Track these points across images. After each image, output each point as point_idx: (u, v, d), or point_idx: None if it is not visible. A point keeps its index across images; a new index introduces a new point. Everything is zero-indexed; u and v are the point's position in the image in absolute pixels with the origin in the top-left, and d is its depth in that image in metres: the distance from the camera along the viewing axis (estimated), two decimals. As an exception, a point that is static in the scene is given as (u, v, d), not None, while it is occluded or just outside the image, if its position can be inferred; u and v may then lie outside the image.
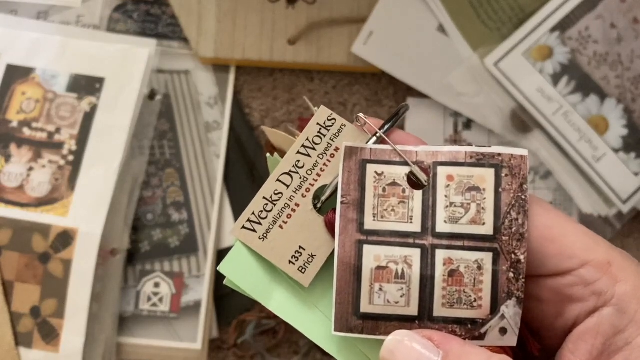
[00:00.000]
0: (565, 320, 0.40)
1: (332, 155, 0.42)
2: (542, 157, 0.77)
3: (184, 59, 0.80)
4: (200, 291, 0.75)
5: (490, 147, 0.40)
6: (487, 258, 0.39)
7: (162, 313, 0.74)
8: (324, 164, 0.42)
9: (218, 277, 0.76)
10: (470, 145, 0.40)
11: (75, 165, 0.72)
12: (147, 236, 0.76)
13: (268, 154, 0.44)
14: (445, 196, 0.39)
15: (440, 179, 0.40)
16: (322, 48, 0.79)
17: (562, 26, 0.76)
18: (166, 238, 0.76)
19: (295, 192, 0.42)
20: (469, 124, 0.79)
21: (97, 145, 0.73)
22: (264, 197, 0.41)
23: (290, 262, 0.41)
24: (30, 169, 0.72)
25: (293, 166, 0.42)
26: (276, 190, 0.41)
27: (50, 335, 0.69)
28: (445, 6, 0.77)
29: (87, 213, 0.71)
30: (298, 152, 0.42)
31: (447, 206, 0.39)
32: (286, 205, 0.41)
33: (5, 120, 0.73)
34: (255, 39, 0.79)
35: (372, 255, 0.39)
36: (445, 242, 0.39)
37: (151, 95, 0.76)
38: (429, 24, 0.78)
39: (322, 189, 0.42)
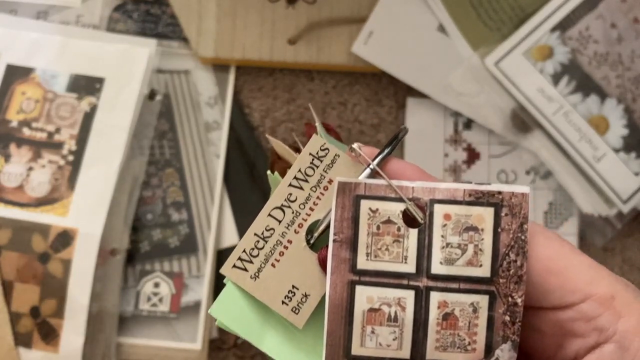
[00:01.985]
0: (566, 354, 0.39)
1: (326, 188, 0.40)
2: (542, 157, 0.77)
3: (183, 58, 0.80)
4: (200, 291, 0.75)
5: (490, 184, 0.38)
6: (483, 301, 0.38)
7: (161, 313, 0.74)
8: (317, 197, 0.40)
9: (218, 277, 0.76)
10: (469, 182, 0.39)
11: (75, 165, 0.72)
12: (146, 236, 0.76)
13: (269, 172, 0.43)
14: (442, 236, 0.38)
15: (436, 218, 0.38)
16: (322, 48, 0.79)
17: (563, 26, 0.76)
18: (166, 238, 0.76)
19: (287, 227, 0.40)
20: (469, 124, 0.79)
21: (97, 145, 0.73)
22: (255, 234, 0.40)
23: (283, 302, 0.39)
24: (30, 168, 0.72)
25: (285, 200, 0.40)
26: (267, 226, 0.40)
27: (49, 335, 0.69)
28: (445, 6, 0.77)
29: (87, 213, 0.71)
30: (290, 185, 0.40)
31: (443, 247, 0.38)
32: (278, 242, 0.40)
33: (5, 120, 0.73)
34: (255, 39, 0.79)
35: (365, 297, 0.38)
36: (440, 284, 0.38)
37: (151, 96, 0.76)
38: (429, 23, 0.78)
39: (316, 223, 0.40)
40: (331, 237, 0.38)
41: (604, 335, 0.37)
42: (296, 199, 0.40)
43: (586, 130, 0.75)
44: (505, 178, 0.78)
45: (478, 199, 0.38)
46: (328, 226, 0.39)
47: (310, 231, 0.40)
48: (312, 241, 0.40)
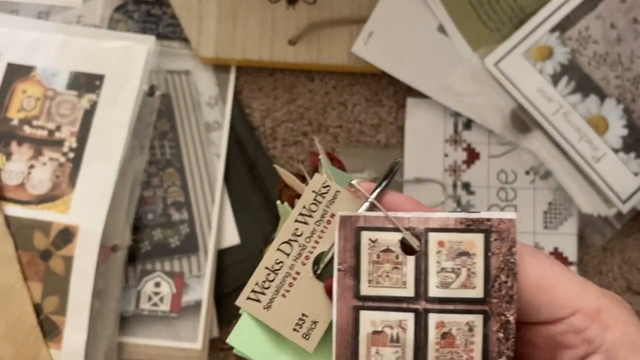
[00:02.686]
0: None
1: (329, 222, 0.44)
2: (542, 157, 0.77)
3: (184, 59, 0.80)
4: (201, 291, 0.75)
5: (479, 212, 0.41)
6: (477, 320, 0.40)
7: (162, 313, 0.74)
8: (322, 231, 0.44)
9: (218, 277, 0.76)
10: (460, 211, 0.42)
11: (76, 162, 0.72)
12: (147, 236, 0.76)
13: (278, 202, 0.47)
14: (437, 262, 0.41)
15: (431, 245, 0.41)
16: (322, 48, 0.79)
17: (562, 26, 0.76)
18: (167, 238, 0.76)
19: (295, 260, 0.43)
20: (469, 124, 0.79)
21: (98, 142, 0.73)
22: (265, 267, 0.43)
23: (294, 329, 0.43)
24: (31, 166, 0.72)
25: (292, 234, 0.43)
26: (277, 259, 0.43)
27: (52, 332, 0.69)
28: (445, 6, 0.77)
29: (88, 210, 0.70)
30: (296, 221, 0.43)
31: (438, 271, 0.41)
32: (287, 274, 0.43)
33: (6, 118, 0.73)
34: (255, 39, 0.79)
35: (369, 321, 0.41)
36: (437, 306, 0.41)
37: (150, 92, 0.76)
38: (429, 24, 0.78)
39: (321, 255, 0.43)
40: (335, 266, 0.42)
41: (593, 346, 0.40)
42: (302, 233, 0.43)
43: (586, 131, 0.76)
44: (505, 178, 0.79)
45: (469, 226, 0.41)
46: (332, 258, 0.42)
47: (316, 262, 0.43)
48: (318, 271, 0.43)
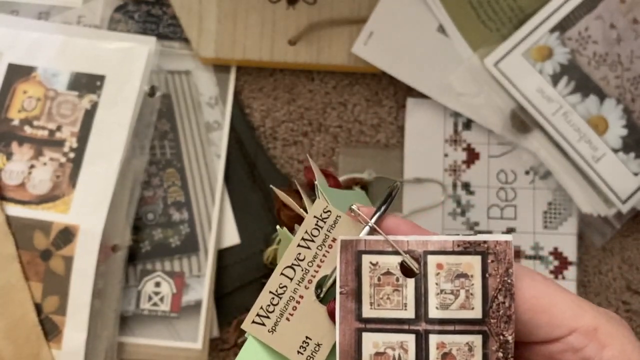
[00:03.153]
0: None
1: (330, 246, 0.45)
2: (542, 157, 0.77)
3: (184, 59, 0.80)
4: (201, 291, 0.75)
5: (475, 234, 0.42)
6: (477, 340, 0.42)
7: (162, 312, 0.74)
8: (324, 255, 0.45)
9: (218, 277, 0.76)
10: (457, 234, 0.43)
11: (76, 162, 0.72)
12: (147, 236, 0.76)
13: (278, 227, 0.49)
14: (436, 283, 0.42)
15: (430, 267, 0.42)
16: (322, 48, 0.79)
17: (562, 26, 0.76)
18: (167, 238, 0.76)
19: (298, 284, 0.44)
20: (469, 124, 0.79)
21: (98, 142, 0.73)
22: (270, 292, 0.44)
23: (299, 352, 0.44)
24: (32, 166, 0.72)
25: (295, 259, 0.44)
26: (281, 283, 0.44)
27: (52, 332, 0.69)
28: (445, 6, 0.77)
29: (88, 210, 0.71)
30: (298, 245, 0.45)
31: (437, 293, 0.42)
32: (291, 298, 0.44)
33: (7, 118, 0.74)
34: (255, 39, 0.79)
35: (371, 342, 0.42)
36: (437, 327, 0.42)
37: (151, 93, 0.76)
38: (429, 24, 0.78)
39: (324, 278, 0.44)
40: (338, 290, 0.43)
41: None
42: (304, 257, 0.45)
43: (585, 131, 0.76)
44: (504, 178, 0.79)
45: (466, 249, 0.42)
46: (335, 280, 0.43)
47: (319, 286, 0.45)
48: (321, 295, 0.45)
